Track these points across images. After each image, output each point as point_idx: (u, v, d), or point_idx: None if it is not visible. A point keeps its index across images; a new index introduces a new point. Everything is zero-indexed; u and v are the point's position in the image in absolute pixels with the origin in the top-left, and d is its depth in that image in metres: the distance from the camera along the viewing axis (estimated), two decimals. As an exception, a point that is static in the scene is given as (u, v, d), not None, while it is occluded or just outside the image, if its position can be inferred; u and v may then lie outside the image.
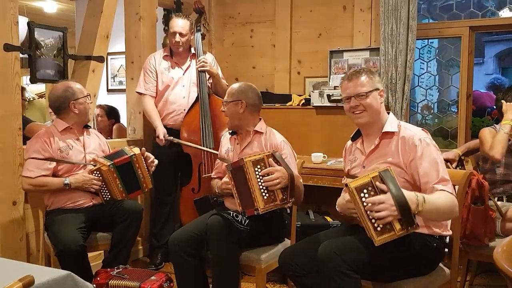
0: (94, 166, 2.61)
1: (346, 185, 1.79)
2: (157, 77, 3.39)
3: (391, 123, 2.00)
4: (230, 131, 2.59)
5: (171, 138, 3.25)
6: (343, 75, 3.68)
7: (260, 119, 2.57)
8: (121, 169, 2.60)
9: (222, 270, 2.23)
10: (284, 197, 2.23)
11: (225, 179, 2.40)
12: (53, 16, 5.91)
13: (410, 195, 1.71)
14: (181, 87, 3.40)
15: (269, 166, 2.22)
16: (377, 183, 1.72)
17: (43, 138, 2.59)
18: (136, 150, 2.67)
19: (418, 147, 1.88)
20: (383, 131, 1.98)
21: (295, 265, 2.02)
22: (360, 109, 2.00)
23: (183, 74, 3.42)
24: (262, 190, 2.18)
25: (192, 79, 3.41)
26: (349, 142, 2.21)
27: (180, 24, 3.32)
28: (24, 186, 2.58)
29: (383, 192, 1.71)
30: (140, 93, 3.42)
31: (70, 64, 3.25)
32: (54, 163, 2.58)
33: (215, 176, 2.66)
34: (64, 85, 2.69)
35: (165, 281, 2.32)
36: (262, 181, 2.18)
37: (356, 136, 2.15)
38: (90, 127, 2.84)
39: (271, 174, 2.19)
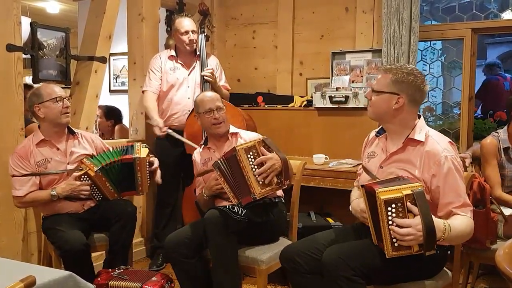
0: (81, 170, 2.50)
1: (363, 186, 1.76)
2: (162, 77, 3.39)
3: (420, 130, 1.92)
4: (202, 143, 2.67)
5: (170, 131, 3.26)
6: (346, 76, 3.75)
7: None
8: (119, 167, 2.54)
9: (222, 263, 2.23)
10: (279, 181, 2.28)
11: (213, 178, 2.42)
12: (56, 17, 5.92)
13: (439, 224, 1.68)
14: (186, 88, 3.41)
15: (262, 154, 2.26)
16: (409, 203, 1.66)
17: (20, 154, 2.49)
18: (143, 153, 2.60)
19: (444, 165, 1.81)
20: (409, 137, 1.91)
21: (296, 261, 2.00)
22: (370, 104, 1.98)
23: (188, 75, 3.42)
24: (257, 176, 2.23)
25: (197, 80, 3.42)
26: (373, 133, 2.14)
27: (189, 23, 3.35)
28: (16, 204, 2.54)
29: (411, 213, 1.66)
30: (144, 92, 3.42)
31: (73, 65, 3.25)
32: (39, 178, 2.50)
33: (200, 192, 2.63)
34: (35, 88, 2.56)
35: (166, 282, 2.32)
36: (256, 168, 2.23)
37: (382, 131, 2.08)
38: (75, 132, 2.66)
39: (265, 163, 2.24)
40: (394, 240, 1.67)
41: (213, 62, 3.48)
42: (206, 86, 3.34)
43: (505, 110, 4.37)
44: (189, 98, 3.39)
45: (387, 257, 1.69)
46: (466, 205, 1.82)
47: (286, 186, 2.37)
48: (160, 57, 3.44)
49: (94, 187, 2.53)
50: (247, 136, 2.60)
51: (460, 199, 1.81)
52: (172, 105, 3.39)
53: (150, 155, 2.68)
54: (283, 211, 2.52)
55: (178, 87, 3.39)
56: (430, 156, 1.85)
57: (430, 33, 3.78)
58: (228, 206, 2.27)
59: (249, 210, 2.27)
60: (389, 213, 1.66)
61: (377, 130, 2.11)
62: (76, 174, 2.49)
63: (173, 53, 3.43)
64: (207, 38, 3.57)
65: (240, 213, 2.25)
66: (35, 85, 3.70)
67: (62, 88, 2.72)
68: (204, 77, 3.32)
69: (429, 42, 3.98)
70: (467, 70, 3.65)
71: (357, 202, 2.03)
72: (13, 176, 2.48)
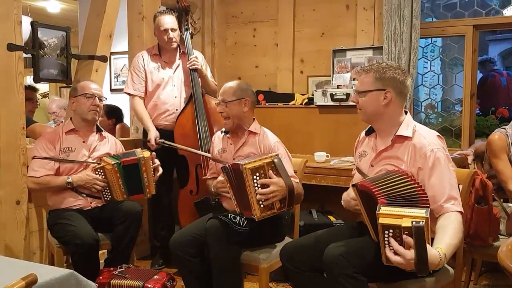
0: (99, 164, 2.61)
1: (354, 185, 1.76)
2: (146, 77, 3.31)
3: (407, 126, 1.93)
4: (223, 130, 2.58)
5: (162, 141, 3.16)
6: (347, 74, 3.74)
7: (254, 118, 2.54)
8: (126, 170, 2.58)
9: (223, 273, 2.23)
10: (281, 206, 2.19)
11: (220, 178, 2.39)
12: (57, 16, 5.93)
13: (434, 259, 1.59)
14: (171, 86, 3.33)
15: (268, 176, 2.16)
16: (405, 236, 1.59)
17: (48, 137, 2.65)
18: (146, 154, 2.66)
19: (429, 158, 1.81)
20: (397, 134, 1.92)
21: (296, 259, 2.00)
22: (358, 106, 1.99)
23: (173, 73, 3.35)
24: (259, 199, 2.14)
25: (182, 78, 3.36)
26: (362, 134, 2.16)
27: (169, 20, 3.25)
28: (29, 185, 2.62)
29: (407, 244, 1.60)
30: (128, 94, 3.36)
31: (73, 64, 3.25)
32: (58, 163, 2.61)
33: (209, 177, 2.65)
34: (77, 82, 2.79)
35: (167, 280, 2.33)
36: (260, 196, 2.14)
37: (371, 130, 2.09)
38: (102, 130, 2.82)
39: (268, 187, 2.14)
40: (390, 247, 1.63)
41: (198, 57, 3.40)
42: (194, 76, 3.28)
43: (506, 107, 4.37)
44: (176, 97, 3.33)
45: (384, 263, 1.66)
46: (452, 198, 1.80)
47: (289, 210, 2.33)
48: (142, 56, 3.34)
49: (106, 186, 2.59)
50: (264, 139, 2.46)
51: (446, 191, 1.79)
52: (159, 105, 3.31)
53: (153, 155, 2.73)
54: (286, 217, 2.48)
55: (164, 86, 3.32)
56: (417, 150, 1.86)
57: (431, 30, 3.77)
58: (230, 216, 2.26)
59: (251, 221, 2.24)
60: (386, 236, 1.63)
61: (366, 129, 2.13)
62: (93, 166, 2.59)
63: (156, 51, 3.36)
64: (191, 35, 3.50)
65: (241, 223, 2.24)
66: (35, 85, 3.74)
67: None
68: (191, 67, 3.26)
69: (430, 39, 3.96)
70: (468, 67, 3.64)
71: (348, 192, 2.03)
72: (34, 157, 2.60)
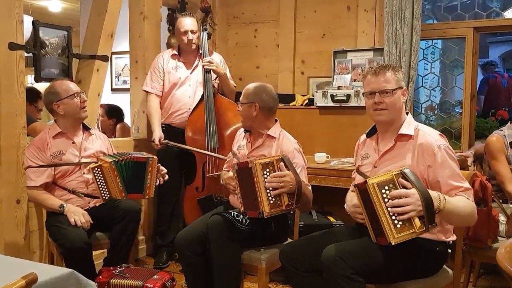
0: (96, 163, 2.58)
1: (356, 185, 1.76)
2: (164, 77, 3.41)
3: (409, 125, 1.94)
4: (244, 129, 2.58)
5: (166, 141, 3.25)
6: (347, 75, 3.74)
7: (276, 120, 2.51)
8: (132, 167, 2.57)
9: (223, 269, 2.24)
10: (289, 203, 2.18)
11: (231, 173, 2.40)
12: (58, 15, 5.93)
13: (432, 192, 1.71)
14: (187, 86, 3.42)
15: (279, 169, 2.17)
16: (400, 179, 1.69)
17: (37, 145, 2.60)
18: (155, 157, 2.67)
19: (438, 155, 1.83)
20: (399, 132, 1.93)
21: (295, 260, 2.00)
22: (382, 107, 1.94)
23: (191, 74, 3.43)
24: (269, 194, 2.14)
25: (199, 78, 3.42)
26: (363, 136, 2.15)
27: (190, 22, 3.35)
28: (29, 196, 2.63)
29: (405, 188, 1.68)
30: (146, 91, 3.45)
31: (75, 63, 3.26)
32: (54, 168, 2.58)
33: (226, 169, 2.67)
34: (50, 86, 2.65)
35: (167, 280, 2.33)
36: (269, 184, 2.13)
37: (372, 132, 2.09)
38: (90, 128, 2.78)
39: (280, 177, 2.15)
40: (394, 217, 1.66)
41: (217, 59, 3.47)
42: (207, 76, 3.34)
43: (506, 109, 4.37)
44: (189, 96, 3.40)
45: (392, 243, 1.64)
46: (466, 189, 1.83)
47: (295, 210, 2.33)
48: (163, 56, 3.45)
49: (104, 183, 2.56)
50: (282, 144, 2.43)
51: (460, 185, 1.82)
52: (173, 104, 3.40)
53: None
54: (288, 221, 2.48)
55: (180, 85, 3.41)
56: (424, 148, 1.86)
57: (432, 31, 3.78)
58: (233, 214, 2.27)
59: (253, 221, 2.24)
60: (384, 195, 1.68)
61: (367, 131, 2.12)
62: (91, 166, 2.56)
63: (176, 51, 3.45)
64: (209, 36, 3.57)
65: (244, 222, 2.25)
66: (36, 84, 3.74)
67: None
68: (205, 66, 3.32)
69: (430, 41, 3.97)
70: (468, 69, 3.64)
71: (350, 197, 2.04)
72: (29, 167, 2.56)
